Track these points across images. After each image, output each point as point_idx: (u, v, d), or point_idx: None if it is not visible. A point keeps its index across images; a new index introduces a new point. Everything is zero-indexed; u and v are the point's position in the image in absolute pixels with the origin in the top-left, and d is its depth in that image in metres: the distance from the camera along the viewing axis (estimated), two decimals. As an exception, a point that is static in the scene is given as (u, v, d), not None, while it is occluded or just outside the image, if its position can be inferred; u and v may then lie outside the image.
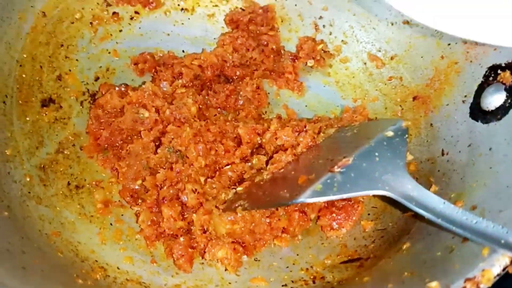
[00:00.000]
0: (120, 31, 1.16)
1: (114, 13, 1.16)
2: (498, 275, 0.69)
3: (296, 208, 0.98)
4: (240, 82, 1.13)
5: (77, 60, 1.11)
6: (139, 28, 1.17)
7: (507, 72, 0.91)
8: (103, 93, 1.08)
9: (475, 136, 0.93)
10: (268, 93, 1.16)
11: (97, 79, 1.12)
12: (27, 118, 1.01)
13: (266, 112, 1.15)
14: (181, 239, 0.94)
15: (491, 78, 0.94)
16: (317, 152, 0.95)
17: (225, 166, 1.01)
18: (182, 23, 1.20)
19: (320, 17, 1.18)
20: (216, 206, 0.94)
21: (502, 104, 0.90)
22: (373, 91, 1.14)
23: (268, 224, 0.96)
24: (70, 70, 1.10)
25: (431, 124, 1.04)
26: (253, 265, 0.96)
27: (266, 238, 0.97)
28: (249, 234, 0.95)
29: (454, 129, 0.98)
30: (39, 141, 1.01)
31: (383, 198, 0.97)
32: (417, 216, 0.81)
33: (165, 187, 0.96)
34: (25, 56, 1.04)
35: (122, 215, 1.00)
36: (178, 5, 1.19)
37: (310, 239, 1.00)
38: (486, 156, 0.88)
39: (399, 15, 1.10)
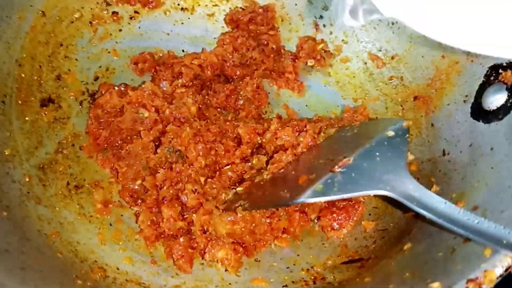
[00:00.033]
0: (120, 30, 1.16)
1: (113, 12, 1.15)
2: (500, 275, 0.68)
3: (297, 209, 0.97)
4: (240, 82, 1.13)
5: (76, 59, 1.11)
6: (139, 27, 1.17)
7: (509, 72, 0.90)
8: (103, 92, 1.08)
9: (477, 136, 0.92)
10: (268, 93, 1.16)
11: (96, 78, 1.11)
12: (26, 118, 1.01)
13: (266, 112, 1.14)
14: (181, 239, 0.94)
15: (492, 78, 0.93)
16: (317, 152, 0.94)
17: (225, 166, 1.00)
18: (182, 23, 1.19)
19: (321, 17, 1.18)
20: (216, 206, 0.94)
21: (503, 104, 0.89)
22: (373, 91, 1.14)
23: (269, 224, 0.95)
24: (69, 70, 1.09)
25: (432, 124, 1.03)
26: (253, 266, 0.96)
27: (266, 239, 0.96)
28: (249, 235, 0.95)
29: (455, 129, 0.98)
30: (38, 141, 1.01)
31: (384, 198, 0.96)
32: (418, 216, 0.81)
33: (165, 187, 0.96)
34: (24, 55, 1.03)
35: (121, 215, 1.00)
36: (178, 4, 1.19)
37: (310, 240, 0.99)
38: (487, 156, 0.88)
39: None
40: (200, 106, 1.07)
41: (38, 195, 0.96)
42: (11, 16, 1.01)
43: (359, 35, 1.16)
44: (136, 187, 1.00)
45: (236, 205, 0.91)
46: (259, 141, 1.03)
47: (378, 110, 1.12)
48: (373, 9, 0.68)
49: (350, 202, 0.98)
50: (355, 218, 0.98)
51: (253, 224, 0.94)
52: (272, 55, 1.17)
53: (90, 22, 1.13)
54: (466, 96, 0.98)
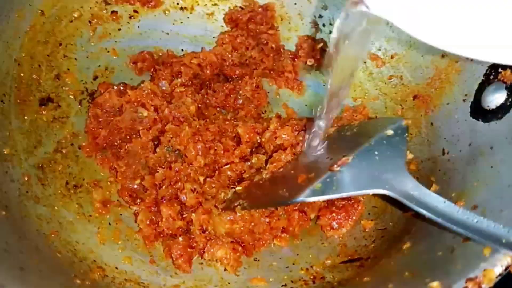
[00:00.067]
0: (119, 30, 1.16)
1: (113, 12, 1.15)
2: (500, 275, 0.68)
3: (296, 208, 0.97)
4: (240, 81, 1.13)
5: (75, 59, 1.10)
6: (138, 27, 1.17)
7: (508, 71, 0.90)
8: (102, 92, 1.07)
9: (476, 135, 0.92)
10: (268, 92, 1.15)
11: (95, 78, 1.11)
12: (25, 117, 1.01)
13: (265, 111, 1.14)
14: (180, 238, 0.94)
15: (492, 77, 0.93)
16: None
17: (224, 165, 1.00)
18: (181, 22, 1.19)
19: (320, 16, 1.18)
20: (215, 206, 0.94)
21: (503, 103, 0.89)
22: (373, 90, 1.14)
23: (268, 223, 0.95)
24: (68, 69, 1.09)
25: (432, 123, 1.03)
26: (252, 265, 0.96)
27: (265, 238, 0.96)
28: (248, 234, 0.95)
29: (455, 128, 0.97)
30: (37, 140, 1.01)
31: (384, 197, 0.96)
32: (418, 215, 0.80)
33: (164, 187, 0.96)
34: (23, 55, 1.03)
35: (120, 214, 0.99)
36: (177, 4, 1.19)
37: (310, 239, 0.99)
38: (487, 155, 0.87)
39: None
40: (200, 105, 1.07)
41: (37, 194, 0.95)
42: (10, 15, 1.00)
43: (359, 35, 1.16)
44: (135, 186, 1.00)
45: (235, 204, 0.91)
46: (259, 141, 1.03)
47: (378, 109, 1.12)
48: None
49: (349, 202, 0.98)
50: (354, 218, 0.98)
51: (252, 224, 0.94)
52: (271, 55, 1.17)
53: (89, 22, 1.13)
54: (466, 95, 0.97)
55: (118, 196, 1.01)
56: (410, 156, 1.00)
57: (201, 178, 0.97)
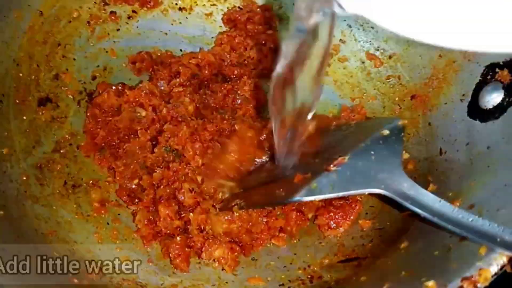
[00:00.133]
0: (118, 30, 1.16)
1: (111, 12, 1.15)
2: (495, 274, 0.68)
3: (293, 208, 0.97)
4: (238, 81, 1.13)
5: (74, 59, 1.11)
6: (137, 27, 1.17)
7: (505, 71, 0.90)
8: (100, 92, 1.08)
9: (473, 135, 0.92)
10: (266, 92, 1.15)
11: (94, 78, 1.12)
12: (24, 117, 1.01)
13: (264, 111, 1.14)
14: (178, 238, 0.94)
15: (489, 77, 0.93)
16: (313, 151, 0.94)
17: (223, 165, 1.00)
18: (180, 22, 1.19)
19: (319, 16, 1.18)
20: (213, 206, 0.94)
21: (500, 103, 0.89)
22: (371, 90, 1.14)
23: (265, 223, 0.96)
24: (67, 69, 1.09)
25: (429, 123, 1.03)
26: (250, 265, 0.96)
27: (263, 238, 0.97)
28: (246, 234, 0.95)
29: (452, 128, 0.97)
30: (35, 140, 1.01)
31: (381, 197, 0.96)
32: (414, 215, 0.81)
33: (162, 187, 0.96)
34: (22, 55, 1.03)
35: (118, 214, 1.00)
36: (176, 4, 1.19)
37: (307, 239, 0.99)
38: (484, 154, 0.88)
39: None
40: (198, 105, 1.07)
41: (35, 194, 0.96)
42: (8, 15, 1.01)
43: (357, 35, 1.16)
44: (133, 186, 1.00)
45: (233, 204, 0.91)
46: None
47: (376, 109, 1.12)
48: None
49: (347, 201, 0.98)
50: (352, 217, 0.98)
51: (250, 223, 0.94)
52: (269, 55, 1.17)
53: (88, 22, 1.13)
54: (463, 95, 0.97)
55: (116, 196, 1.01)
56: (406, 155, 1.00)
57: (199, 178, 0.97)
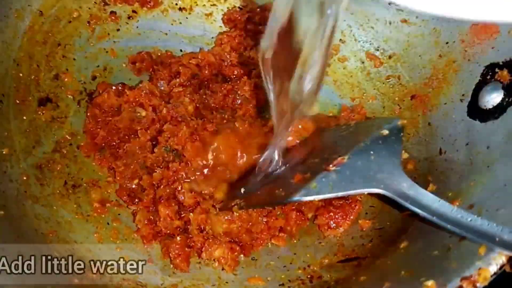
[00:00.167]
0: (118, 30, 1.16)
1: (111, 12, 1.15)
2: (495, 274, 0.68)
3: (293, 207, 0.97)
4: (238, 81, 1.13)
5: (74, 59, 1.11)
6: (137, 27, 1.17)
7: (505, 71, 0.90)
8: (100, 92, 1.08)
9: (473, 135, 0.92)
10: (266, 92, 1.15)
11: (94, 78, 1.12)
12: (24, 117, 1.01)
13: (264, 111, 1.14)
14: (178, 238, 0.94)
15: (489, 77, 0.93)
16: (312, 151, 0.94)
17: (222, 165, 1.00)
18: (180, 22, 1.19)
19: (318, 16, 1.18)
20: (213, 205, 0.94)
21: (499, 103, 0.89)
22: (371, 90, 1.14)
23: (265, 223, 0.96)
24: (67, 69, 1.09)
25: (429, 123, 1.03)
26: (250, 265, 0.96)
27: (263, 238, 0.97)
28: (246, 234, 0.95)
29: (452, 128, 0.97)
30: (36, 140, 1.01)
31: (381, 197, 0.96)
32: (414, 215, 0.81)
33: (162, 186, 0.96)
34: (22, 55, 1.03)
35: (119, 214, 1.00)
36: (176, 4, 1.19)
37: (307, 239, 0.99)
38: (483, 154, 0.88)
39: (397, 13, 1.10)
40: (198, 105, 1.07)
41: (35, 194, 0.96)
42: (8, 15, 1.01)
43: (357, 35, 1.16)
44: (133, 186, 1.00)
45: (233, 204, 0.91)
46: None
47: (375, 109, 1.12)
48: None
49: (347, 201, 0.99)
50: (352, 217, 0.98)
51: (250, 223, 0.94)
52: (270, 55, 1.17)
53: (88, 22, 1.13)
54: (463, 95, 0.98)
55: (116, 196, 1.01)
56: (405, 155, 1.00)
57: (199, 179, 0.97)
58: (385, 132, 0.90)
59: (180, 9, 1.19)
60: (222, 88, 1.10)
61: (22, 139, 0.99)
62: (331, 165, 0.85)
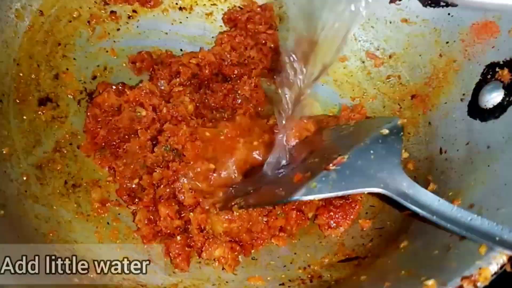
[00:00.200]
0: (118, 30, 1.16)
1: (112, 11, 1.15)
2: (495, 273, 0.68)
3: (294, 207, 0.97)
4: (238, 81, 1.13)
5: (74, 59, 1.11)
6: (137, 27, 1.17)
7: (505, 70, 0.90)
8: (101, 92, 1.07)
9: (473, 134, 0.92)
10: (266, 92, 1.15)
11: (94, 77, 1.12)
12: (24, 117, 1.01)
13: (264, 110, 1.14)
14: (178, 238, 0.94)
15: (489, 76, 0.93)
16: (313, 151, 0.94)
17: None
18: (180, 22, 1.19)
19: (318, 16, 1.18)
20: (213, 205, 0.94)
21: (500, 102, 0.89)
22: (371, 89, 1.14)
23: (266, 223, 0.96)
24: (67, 69, 1.09)
25: (430, 123, 1.03)
26: (250, 264, 0.96)
27: (263, 237, 0.97)
28: (246, 233, 0.95)
29: (452, 127, 0.97)
30: (36, 140, 1.01)
31: (381, 196, 0.96)
32: (414, 214, 0.81)
33: (161, 186, 0.96)
34: (22, 54, 1.03)
35: (119, 214, 1.00)
36: (176, 4, 1.19)
37: (307, 238, 0.99)
38: (484, 154, 0.88)
39: (397, 13, 1.10)
40: (198, 105, 1.07)
41: (35, 194, 0.96)
42: (9, 15, 1.01)
43: (357, 34, 1.16)
44: (134, 186, 1.00)
45: (233, 203, 0.91)
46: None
47: (376, 109, 1.12)
48: None
49: (347, 201, 0.99)
50: (352, 217, 0.98)
51: (250, 223, 0.94)
52: (270, 54, 1.17)
53: (88, 21, 1.13)
54: (463, 94, 0.98)
55: (116, 196, 1.01)
56: (405, 155, 1.00)
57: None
58: (385, 131, 0.90)
59: (180, 8, 1.19)
60: (222, 88, 1.10)
61: (22, 138, 0.99)
62: (331, 165, 0.85)
